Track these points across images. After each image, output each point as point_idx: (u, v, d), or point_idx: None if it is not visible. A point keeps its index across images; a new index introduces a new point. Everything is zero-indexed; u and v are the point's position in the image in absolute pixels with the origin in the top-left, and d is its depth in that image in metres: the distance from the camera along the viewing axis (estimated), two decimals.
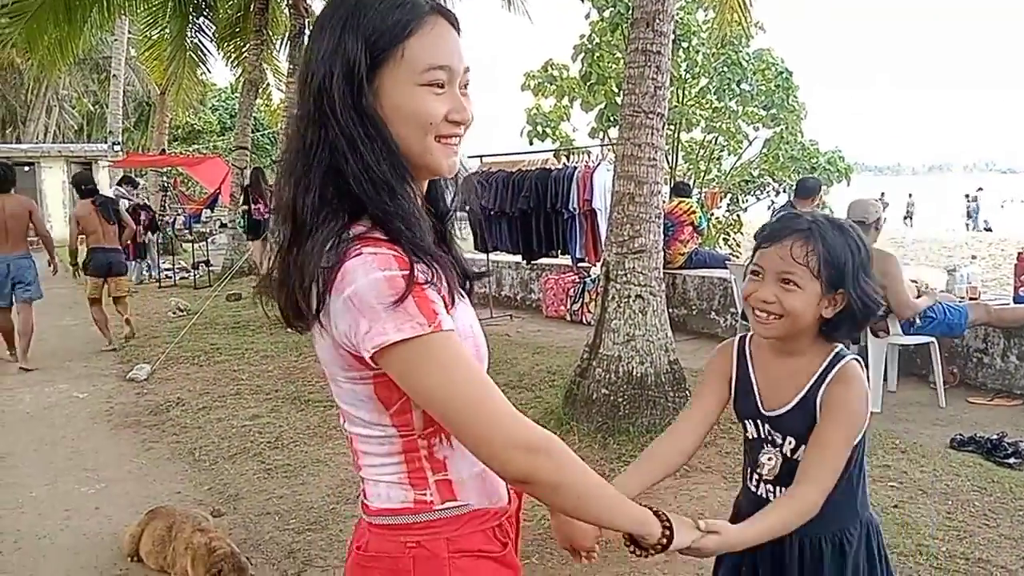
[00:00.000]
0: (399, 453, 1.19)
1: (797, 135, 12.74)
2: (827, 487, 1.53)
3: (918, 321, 5.28)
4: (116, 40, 22.22)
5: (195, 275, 13.56)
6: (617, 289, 4.89)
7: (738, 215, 13.65)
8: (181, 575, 3.18)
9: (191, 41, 16.37)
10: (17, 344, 7.55)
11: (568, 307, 8.89)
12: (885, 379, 5.58)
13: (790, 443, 1.61)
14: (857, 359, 1.61)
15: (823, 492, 1.53)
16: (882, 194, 29.36)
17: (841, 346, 1.63)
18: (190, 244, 14.74)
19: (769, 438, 1.65)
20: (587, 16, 12.07)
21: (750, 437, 1.70)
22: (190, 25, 16.04)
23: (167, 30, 16.35)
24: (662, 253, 5.11)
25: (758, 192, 13.73)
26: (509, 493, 1.32)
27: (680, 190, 8.96)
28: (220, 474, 4.50)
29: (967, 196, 31.59)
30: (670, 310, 5.90)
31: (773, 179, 13.33)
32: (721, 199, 13.38)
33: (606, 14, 11.52)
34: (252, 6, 14.25)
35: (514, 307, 10.00)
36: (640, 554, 1.31)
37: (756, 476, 1.69)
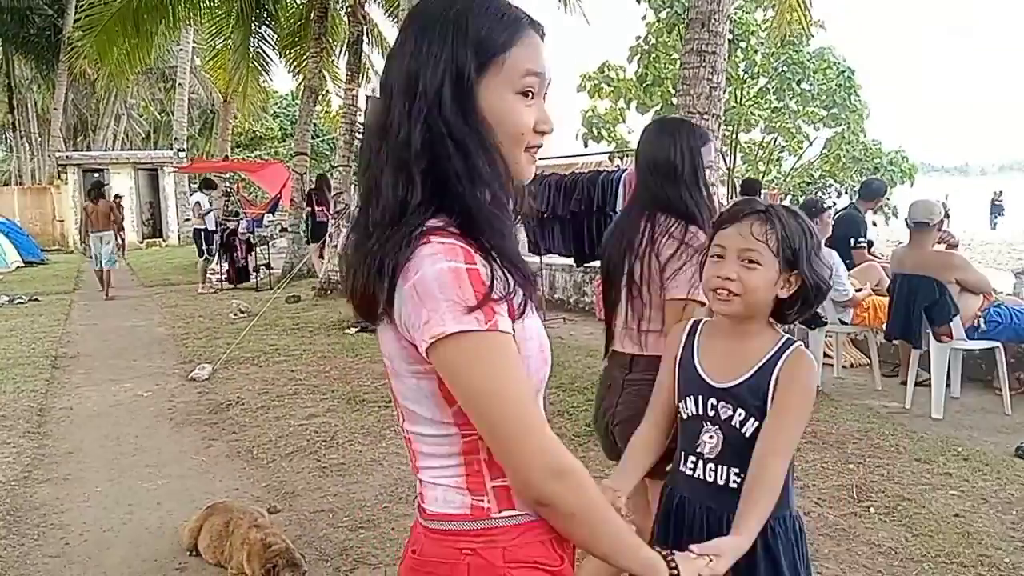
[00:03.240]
0: (459, 454, 1.18)
1: (859, 135, 12.49)
2: (788, 458, 1.60)
3: (982, 325, 5.12)
4: (181, 50, 22.89)
5: (257, 278, 13.86)
6: None
7: None
8: (237, 569, 3.25)
9: (254, 50, 16.78)
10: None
11: None
12: (948, 385, 5.43)
13: (740, 415, 1.64)
14: (804, 344, 1.69)
15: (786, 463, 1.60)
16: (946, 196, 28.54)
17: (788, 335, 1.69)
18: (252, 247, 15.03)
19: (710, 414, 1.68)
20: (643, 17, 12.04)
21: (687, 417, 1.72)
22: (253, 34, 16.44)
23: (231, 40, 16.80)
24: None
25: (820, 193, 13.48)
26: None
27: (750, 188, 8.82)
28: (277, 471, 4.59)
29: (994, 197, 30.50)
30: None
31: (835, 179, 13.08)
32: (781, 200, 13.17)
33: (662, 15, 11.46)
34: (312, 15, 14.52)
35: (567, 310, 9.99)
36: None
37: (695, 457, 1.70)
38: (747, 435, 1.63)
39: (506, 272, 1.11)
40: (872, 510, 3.78)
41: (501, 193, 1.16)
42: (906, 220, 5.47)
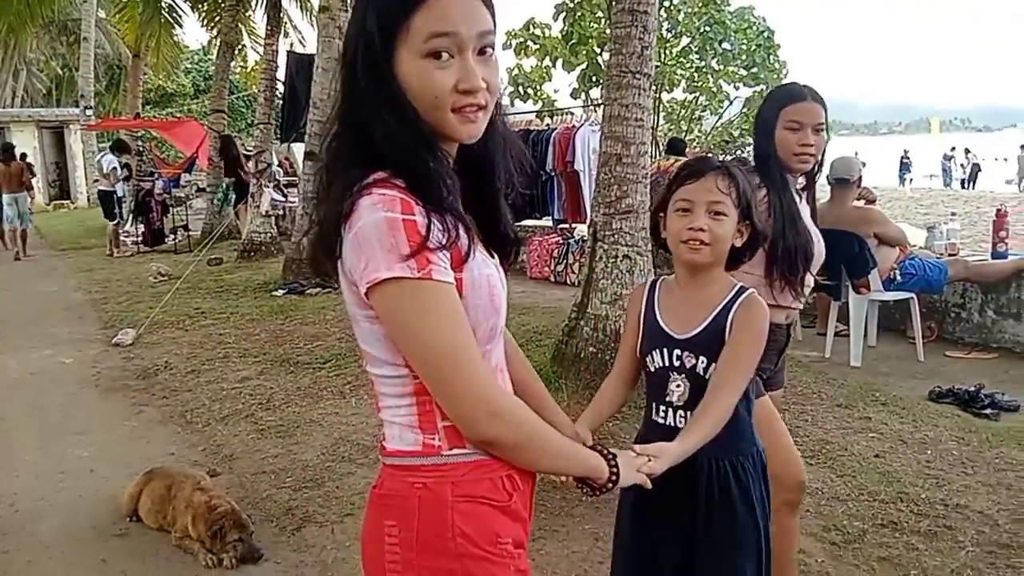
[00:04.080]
0: (410, 395, 1.23)
1: None
2: (737, 392, 1.71)
3: (898, 277, 5.38)
4: (85, 2, 21.74)
5: (175, 240, 13.46)
6: (605, 249, 4.93)
7: None
8: (182, 532, 3.22)
9: (166, 2, 16.08)
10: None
11: (552, 268, 8.93)
12: (865, 335, 5.69)
13: (703, 362, 1.75)
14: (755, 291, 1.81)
15: (735, 396, 1.70)
16: (855, 153, 29.50)
17: (741, 283, 1.82)
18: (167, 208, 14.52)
19: (676, 364, 1.78)
20: None
21: (654, 369, 1.83)
22: None
23: None
24: (648, 213, 5.14)
25: (738, 151, 13.78)
26: None
27: (675, 148, 8.95)
28: (213, 435, 4.53)
29: (944, 156, 31.86)
30: (659, 269, 5.96)
31: (753, 139, 13.39)
32: None
33: None
34: None
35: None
36: (591, 494, 1.39)
37: (664, 406, 1.81)
38: (709, 379, 1.74)
39: (447, 223, 1.16)
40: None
41: (427, 151, 1.19)
42: (827, 177, 5.68)
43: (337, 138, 1.24)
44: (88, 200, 22.82)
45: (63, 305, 8.91)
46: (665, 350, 1.80)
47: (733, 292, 1.78)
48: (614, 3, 5.09)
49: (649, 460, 1.45)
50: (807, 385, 5.00)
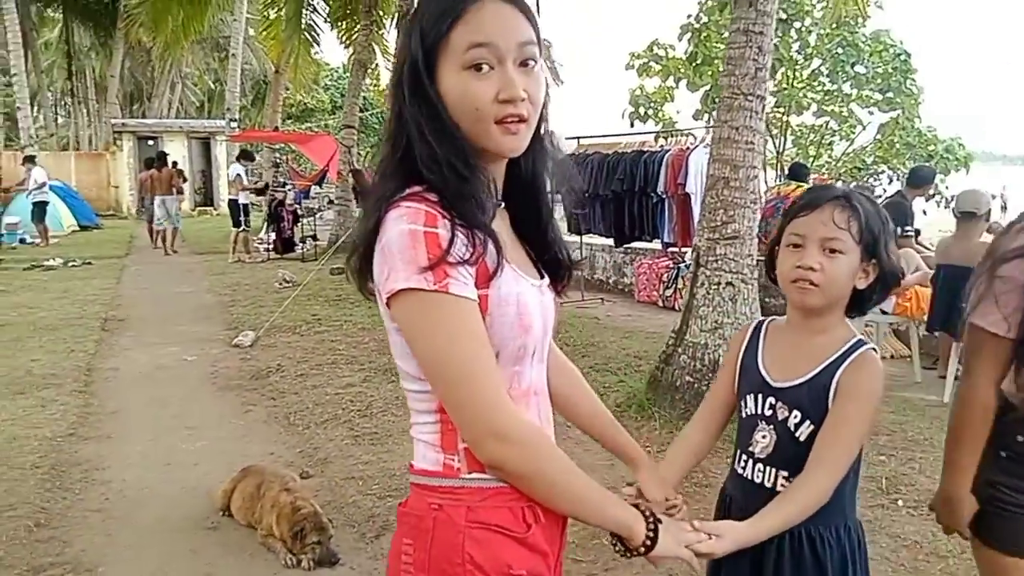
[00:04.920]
0: (435, 411, 1.22)
1: (914, 120, 12.14)
2: (839, 472, 1.50)
3: None
4: (235, 20, 23.18)
5: (303, 249, 14.06)
6: (707, 275, 4.82)
7: None
8: (267, 531, 3.34)
9: (306, 22, 16.92)
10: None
11: (661, 292, 8.79)
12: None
13: (795, 416, 1.57)
14: (875, 348, 1.59)
15: (834, 477, 1.50)
16: (1004, 186, 27.61)
17: (860, 335, 1.60)
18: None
19: (767, 414, 1.61)
20: None
21: (745, 415, 1.66)
22: (305, 6, 16.56)
23: (283, 11, 16.94)
24: (756, 240, 4.99)
25: (872, 179, 13.19)
26: None
27: (796, 173, 8.67)
28: (311, 438, 4.69)
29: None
30: (767, 299, 5.77)
31: (888, 166, 12.77)
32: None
33: None
34: None
35: (606, 290, 9.96)
36: (622, 554, 1.30)
37: (746, 456, 1.64)
38: (801, 439, 1.56)
39: (475, 238, 1.14)
40: (900, 503, 3.74)
41: (464, 168, 1.18)
42: (952, 210, 5.36)
43: (386, 157, 1.26)
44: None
45: (194, 305, 9.45)
46: (760, 395, 1.62)
47: (848, 346, 1.56)
48: (730, 23, 4.99)
49: (709, 538, 1.34)
50: (920, 431, 4.70)
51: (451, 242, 1.12)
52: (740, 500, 1.64)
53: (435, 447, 1.23)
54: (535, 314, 1.25)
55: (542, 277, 1.34)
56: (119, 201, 24.97)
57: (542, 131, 1.29)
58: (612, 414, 1.68)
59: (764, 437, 1.60)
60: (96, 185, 24.78)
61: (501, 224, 1.29)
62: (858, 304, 1.61)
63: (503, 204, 1.30)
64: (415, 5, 1.24)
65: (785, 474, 1.57)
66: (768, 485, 1.59)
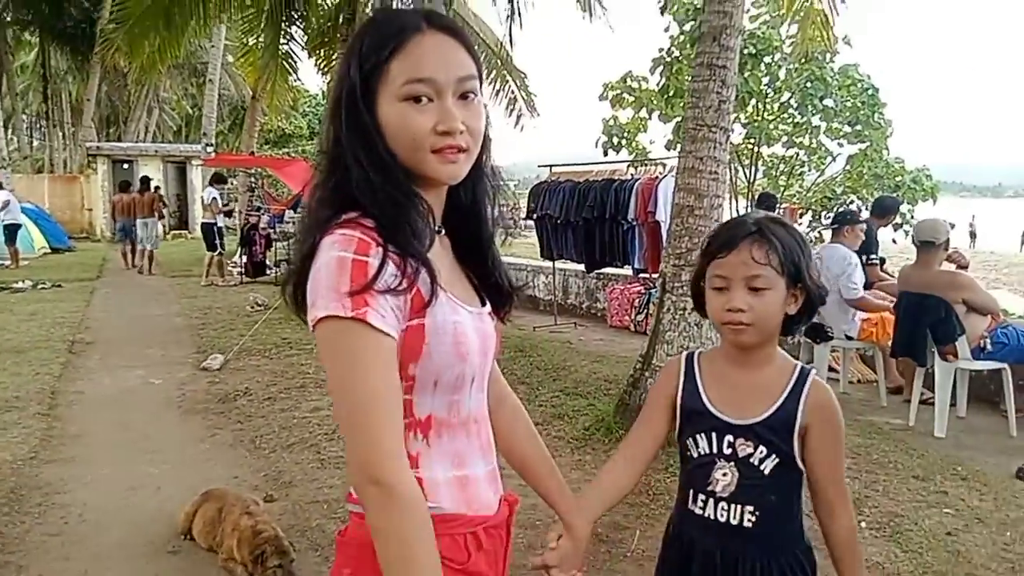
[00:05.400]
0: None
1: (882, 152, 12.36)
2: (850, 502, 1.61)
3: (988, 347, 5.10)
4: (213, 47, 23.17)
5: (276, 272, 14.00)
6: (673, 301, 4.87)
7: (820, 232, 13.34)
8: (228, 554, 3.32)
9: (284, 49, 16.93)
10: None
11: (632, 317, 8.86)
12: (954, 404, 5.40)
13: (761, 452, 1.57)
14: (815, 369, 1.66)
15: (851, 509, 1.60)
16: (973, 216, 28.19)
17: (798, 362, 1.63)
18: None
19: (727, 452, 1.59)
20: (667, 29, 12.00)
21: (697, 456, 1.63)
22: (283, 33, 16.59)
23: (261, 38, 16.96)
24: None
25: (839, 207, 13.38)
26: (501, 504, 1.34)
27: (764, 202, 8.80)
28: (277, 462, 4.66)
29: None
30: None
31: (856, 196, 12.97)
32: (801, 215, 13.09)
33: (686, 27, 11.42)
34: (340, 17, 14.66)
35: (579, 315, 10.01)
36: None
37: (704, 496, 1.61)
38: (766, 472, 1.56)
39: (408, 266, 1.14)
40: (864, 525, 3.78)
41: (400, 195, 1.19)
42: (912, 239, 5.47)
43: (322, 181, 1.25)
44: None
45: (164, 328, 9.37)
46: (714, 434, 1.59)
47: (795, 376, 1.58)
48: (694, 57, 5.10)
49: None
50: (884, 454, 4.77)
51: (379, 270, 1.12)
52: (702, 541, 1.62)
53: None
54: (472, 342, 1.24)
55: (484, 304, 1.35)
56: (92, 224, 24.78)
57: (483, 161, 1.30)
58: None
59: (725, 475, 1.59)
60: (70, 208, 24.61)
61: (442, 251, 1.29)
62: (788, 327, 1.60)
63: (443, 231, 1.31)
64: (352, 41, 1.24)
65: (751, 508, 1.57)
66: (735, 522, 1.58)
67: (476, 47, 1.27)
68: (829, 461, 1.57)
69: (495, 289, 1.37)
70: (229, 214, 14.69)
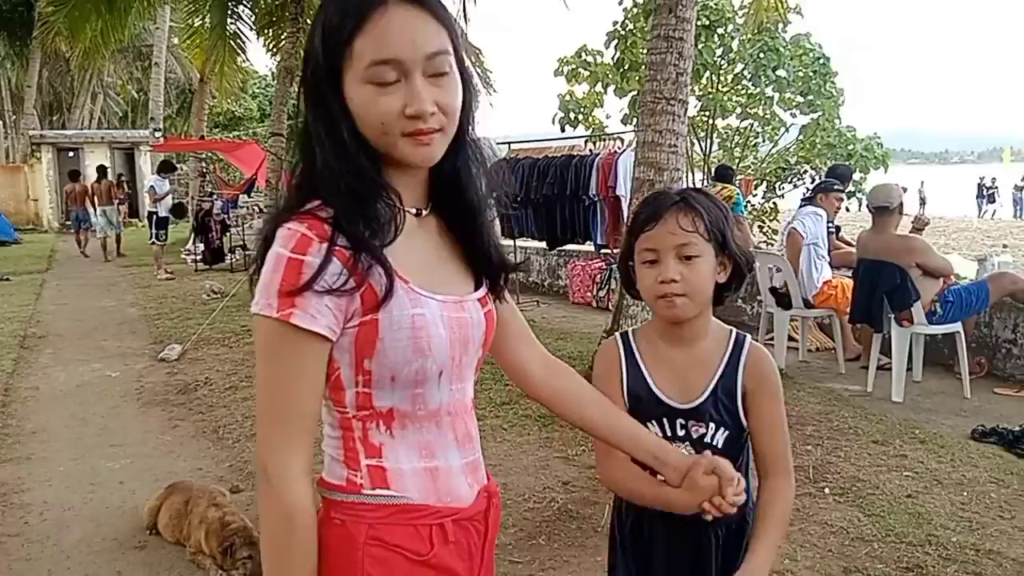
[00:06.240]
0: (338, 428, 1.21)
1: (834, 121, 12.52)
2: (791, 469, 1.56)
3: (938, 310, 5.21)
4: (158, 29, 22.57)
5: (232, 259, 13.78)
6: None
7: (774, 202, 13.50)
8: (195, 547, 3.27)
9: (231, 29, 16.56)
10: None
11: (594, 293, 8.89)
12: (909, 368, 5.51)
13: (711, 429, 1.56)
14: (748, 335, 1.62)
15: (791, 477, 1.56)
16: (922, 183, 28.78)
17: (733, 328, 1.62)
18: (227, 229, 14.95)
19: (680, 434, 1.58)
20: (620, 2, 11.98)
21: None
22: (230, 13, 16.22)
23: (208, 18, 16.56)
24: None
25: (794, 179, 13.54)
26: (479, 496, 1.29)
27: (722, 175, 8.87)
28: (242, 452, 4.60)
29: (1016, 187, 30.85)
30: None
31: (810, 166, 13.14)
32: (756, 186, 13.23)
33: (640, 0, 11.42)
34: None
35: (541, 293, 10.02)
36: None
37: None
38: (719, 446, 1.55)
39: (360, 262, 1.11)
40: (827, 491, 3.85)
41: (361, 185, 1.15)
42: (867, 205, 5.55)
43: (297, 167, 1.21)
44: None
45: (118, 320, 9.18)
46: (665, 420, 1.58)
47: (731, 344, 1.58)
48: (650, 30, 5.08)
49: None
50: (844, 420, 4.85)
51: (319, 270, 1.08)
52: (664, 521, 1.58)
53: (339, 462, 1.20)
54: (437, 335, 1.18)
55: (478, 288, 1.30)
56: (39, 215, 24.13)
57: (466, 135, 1.24)
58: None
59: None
60: (14, 199, 23.89)
61: (423, 234, 1.24)
62: (718, 297, 1.59)
63: (424, 212, 1.25)
64: (317, 17, 1.16)
65: None
66: None
67: (448, 13, 1.18)
68: (769, 424, 1.56)
69: (487, 263, 1.31)
70: (180, 206, 14.31)
